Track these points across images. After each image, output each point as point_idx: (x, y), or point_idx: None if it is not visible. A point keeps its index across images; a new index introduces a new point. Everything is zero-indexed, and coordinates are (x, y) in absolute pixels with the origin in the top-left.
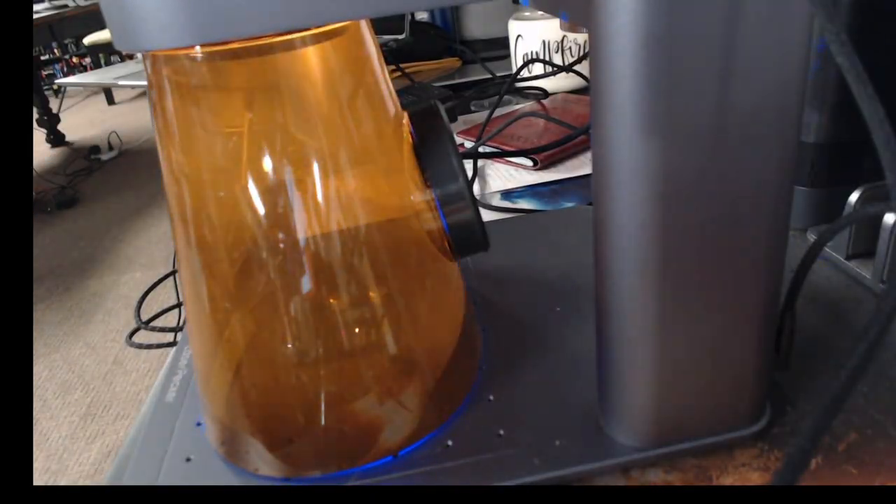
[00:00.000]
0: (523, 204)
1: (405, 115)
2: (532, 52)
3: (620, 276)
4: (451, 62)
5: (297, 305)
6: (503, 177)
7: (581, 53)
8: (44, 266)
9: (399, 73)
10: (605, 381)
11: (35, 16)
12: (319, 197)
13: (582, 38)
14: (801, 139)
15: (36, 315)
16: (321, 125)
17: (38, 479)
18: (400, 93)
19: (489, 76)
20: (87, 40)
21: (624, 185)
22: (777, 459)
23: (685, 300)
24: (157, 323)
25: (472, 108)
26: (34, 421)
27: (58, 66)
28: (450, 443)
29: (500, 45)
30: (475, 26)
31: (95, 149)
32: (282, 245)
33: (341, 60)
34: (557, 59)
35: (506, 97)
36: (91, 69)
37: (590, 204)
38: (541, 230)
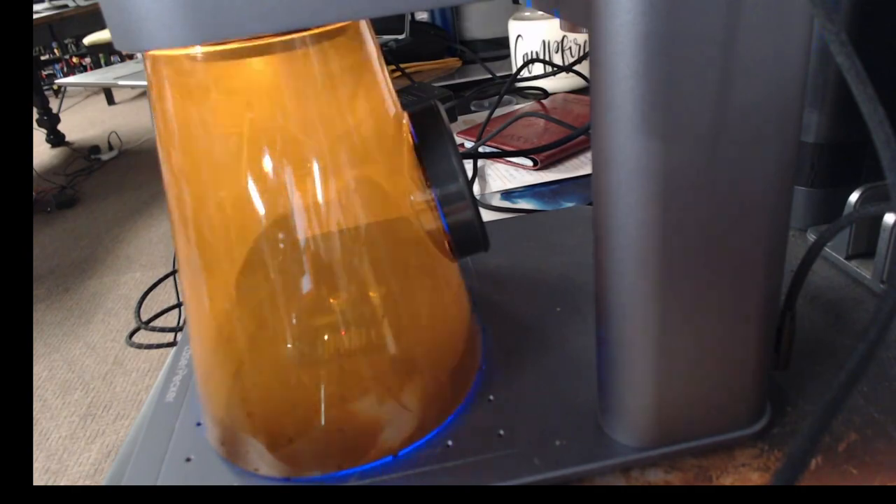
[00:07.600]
0: (523, 204)
1: (405, 115)
2: (532, 52)
3: (620, 276)
4: (451, 62)
5: (297, 305)
6: (503, 177)
7: (581, 53)
8: (44, 266)
9: (399, 73)
10: (605, 381)
11: (35, 16)
12: (319, 197)
13: (582, 38)
14: (801, 139)
15: (36, 315)
16: (321, 125)
17: (38, 479)
18: (400, 93)
19: (489, 76)
20: (87, 40)
21: (624, 185)
22: (777, 459)
23: (685, 300)
24: (157, 323)
25: (472, 108)
26: (34, 421)
27: (58, 66)
28: (450, 443)
29: (500, 45)
30: (475, 26)
31: (95, 149)
32: (282, 245)
33: (341, 60)
34: (557, 59)
35: (506, 97)
36: (91, 69)
37: (590, 204)
38: (541, 230)
